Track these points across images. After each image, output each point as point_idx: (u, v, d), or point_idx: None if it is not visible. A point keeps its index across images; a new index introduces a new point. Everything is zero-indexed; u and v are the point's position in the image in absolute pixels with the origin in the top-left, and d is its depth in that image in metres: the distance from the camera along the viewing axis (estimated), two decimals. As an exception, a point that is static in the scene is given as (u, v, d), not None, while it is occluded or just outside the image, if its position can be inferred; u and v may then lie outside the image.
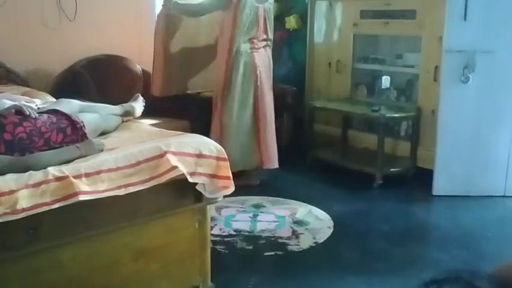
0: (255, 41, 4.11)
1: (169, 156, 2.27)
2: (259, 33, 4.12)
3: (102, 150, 2.28)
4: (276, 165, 4.24)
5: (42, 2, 4.21)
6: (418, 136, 4.38)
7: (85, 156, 2.18)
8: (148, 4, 4.82)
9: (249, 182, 4.21)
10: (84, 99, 3.03)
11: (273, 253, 3.14)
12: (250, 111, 4.12)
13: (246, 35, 4.04)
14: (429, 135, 4.23)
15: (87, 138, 2.33)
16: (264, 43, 4.20)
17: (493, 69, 3.85)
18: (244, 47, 4.05)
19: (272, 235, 3.37)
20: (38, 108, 2.47)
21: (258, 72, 4.10)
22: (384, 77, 4.32)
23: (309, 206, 3.82)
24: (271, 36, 4.24)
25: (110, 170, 2.12)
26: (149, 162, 2.23)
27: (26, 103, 2.50)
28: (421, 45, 4.32)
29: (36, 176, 1.96)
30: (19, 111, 2.21)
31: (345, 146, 4.90)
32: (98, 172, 2.09)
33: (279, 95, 4.83)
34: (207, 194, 2.42)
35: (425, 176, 4.11)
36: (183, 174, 2.28)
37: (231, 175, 2.46)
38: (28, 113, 2.20)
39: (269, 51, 4.26)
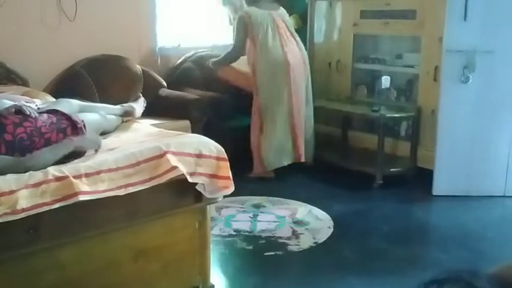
0: (283, 39, 4.33)
1: (169, 156, 2.27)
2: (284, 33, 4.37)
3: (99, 145, 2.28)
4: (304, 159, 4.45)
5: (42, 2, 4.20)
6: (418, 136, 4.38)
7: (81, 151, 2.18)
8: (148, 4, 4.82)
9: (266, 174, 4.36)
10: (84, 99, 3.04)
11: (273, 253, 3.14)
12: (284, 108, 4.28)
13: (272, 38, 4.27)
14: (429, 135, 4.23)
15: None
16: (293, 41, 4.41)
17: (493, 69, 3.85)
18: (273, 44, 4.25)
19: (272, 235, 3.37)
20: (38, 108, 2.47)
21: (290, 68, 4.27)
22: (383, 77, 4.32)
23: (309, 206, 3.82)
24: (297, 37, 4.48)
25: (110, 170, 2.12)
26: (149, 162, 2.23)
27: (26, 103, 2.50)
28: (421, 45, 4.32)
29: (36, 176, 1.96)
30: (19, 111, 2.20)
31: (345, 146, 4.89)
32: (98, 172, 2.09)
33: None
34: (207, 194, 2.42)
35: (425, 176, 4.11)
36: (183, 174, 2.28)
37: (231, 175, 2.46)
38: (28, 113, 2.20)
39: (302, 46, 4.48)
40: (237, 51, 4.44)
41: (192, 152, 2.36)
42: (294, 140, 4.36)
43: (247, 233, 3.39)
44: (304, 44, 5.13)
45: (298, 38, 4.48)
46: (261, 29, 4.25)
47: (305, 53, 4.51)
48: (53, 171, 2.01)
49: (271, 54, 4.24)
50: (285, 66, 4.25)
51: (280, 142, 4.32)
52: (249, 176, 4.34)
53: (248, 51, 4.36)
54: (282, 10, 4.51)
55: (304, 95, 4.43)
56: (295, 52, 4.37)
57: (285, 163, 4.38)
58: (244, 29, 4.30)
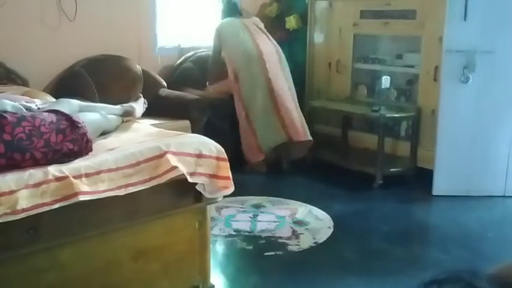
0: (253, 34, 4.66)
1: (169, 156, 2.27)
2: (254, 31, 4.71)
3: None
4: (306, 137, 4.54)
5: (42, 2, 4.20)
6: (418, 136, 4.38)
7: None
8: (148, 4, 4.82)
9: (259, 167, 4.53)
10: (84, 99, 3.03)
11: (273, 253, 3.14)
12: (264, 92, 4.48)
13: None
14: (429, 135, 4.23)
15: (88, 138, 2.32)
16: (264, 35, 4.76)
17: (493, 69, 3.85)
18: (244, 38, 4.58)
19: (272, 235, 3.37)
20: (38, 109, 2.46)
21: (264, 56, 4.53)
22: (383, 77, 4.32)
23: (309, 206, 3.82)
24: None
25: (110, 170, 2.12)
26: (149, 162, 2.23)
27: (26, 103, 2.50)
28: (421, 45, 4.32)
29: (36, 176, 1.96)
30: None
31: (345, 146, 4.89)
32: (98, 172, 2.09)
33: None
34: (207, 194, 2.42)
35: (425, 176, 4.11)
36: (183, 174, 2.28)
37: (231, 175, 2.46)
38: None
39: (273, 40, 4.78)
40: (213, 61, 4.78)
41: (192, 152, 2.36)
42: (281, 120, 4.49)
43: (247, 233, 3.39)
44: (304, 44, 5.14)
45: (269, 36, 4.80)
46: (233, 32, 4.64)
47: (277, 44, 4.76)
48: (53, 171, 2.01)
49: (243, 45, 4.56)
50: (258, 54, 4.53)
51: (265, 123, 4.48)
52: (244, 169, 4.45)
53: (228, 60, 4.61)
54: (255, 18, 4.94)
55: (284, 81, 4.62)
56: (266, 42, 4.68)
57: (280, 142, 4.51)
58: (218, 39, 4.68)
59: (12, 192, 1.87)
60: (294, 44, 5.36)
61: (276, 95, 4.50)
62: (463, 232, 3.46)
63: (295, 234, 3.38)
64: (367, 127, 4.79)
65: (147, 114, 3.30)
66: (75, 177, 2.01)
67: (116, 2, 4.60)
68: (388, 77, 4.32)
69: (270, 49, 4.65)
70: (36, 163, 2.07)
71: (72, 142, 2.22)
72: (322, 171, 4.58)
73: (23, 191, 1.89)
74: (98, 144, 2.40)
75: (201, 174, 2.36)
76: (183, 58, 5.01)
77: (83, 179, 2.04)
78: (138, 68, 4.56)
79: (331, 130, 4.97)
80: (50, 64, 4.24)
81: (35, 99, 2.92)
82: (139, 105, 3.00)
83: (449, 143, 3.97)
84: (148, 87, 4.50)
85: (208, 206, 2.53)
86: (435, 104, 4.07)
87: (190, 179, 2.31)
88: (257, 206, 3.83)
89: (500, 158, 3.98)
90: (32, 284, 2.04)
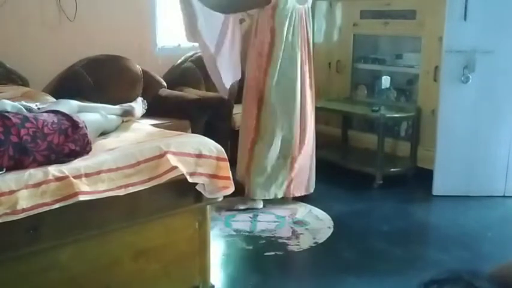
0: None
1: (169, 156, 2.27)
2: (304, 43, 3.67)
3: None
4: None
5: (42, 2, 4.20)
6: (418, 136, 4.38)
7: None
8: (148, 4, 4.82)
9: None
10: (84, 99, 3.03)
11: (273, 253, 3.14)
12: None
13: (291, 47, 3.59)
14: (429, 135, 4.23)
15: (88, 138, 2.32)
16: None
17: (493, 69, 3.85)
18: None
19: (272, 235, 3.37)
20: (38, 109, 2.46)
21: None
22: (383, 77, 4.33)
23: (309, 206, 3.82)
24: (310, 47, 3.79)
25: (110, 170, 2.12)
26: (149, 162, 2.23)
27: (26, 103, 2.49)
28: (421, 45, 4.33)
29: (36, 176, 1.96)
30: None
31: (345, 146, 4.90)
32: (98, 172, 2.09)
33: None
34: (207, 194, 2.42)
35: (425, 176, 4.11)
36: (183, 174, 2.28)
37: (231, 175, 2.47)
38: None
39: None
40: (236, 4, 3.83)
41: (192, 152, 2.36)
42: None
43: (247, 233, 3.39)
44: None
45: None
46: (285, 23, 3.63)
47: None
48: (53, 171, 2.00)
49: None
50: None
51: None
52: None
53: None
54: None
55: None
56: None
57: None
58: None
59: (12, 192, 1.87)
60: (294, 44, 5.35)
61: (301, 131, 3.93)
62: (463, 232, 3.46)
63: (295, 234, 3.38)
64: (367, 127, 4.80)
65: (147, 114, 3.30)
66: (75, 177, 2.01)
67: (115, 2, 4.60)
68: (388, 77, 4.32)
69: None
70: (39, 165, 2.07)
71: (74, 142, 2.22)
72: (322, 171, 4.57)
73: (23, 191, 1.89)
74: (98, 144, 2.40)
75: (201, 174, 2.36)
76: (183, 58, 5.01)
77: (83, 179, 2.04)
78: (138, 68, 4.56)
79: (331, 130, 4.97)
80: (50, 64, 4.24)
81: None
82: (138, 105, 3.00)
83: (449, 143, 3.97)
84: (149, 87, 4.51)
85: (208, 206, 2.53)
86: (435, 104, 4.07)
87: (190, 179, 2.31)
88: (257, 206, 3.83)
89: (500, 158, 3.98)
90: (32, 284, 2.04)
